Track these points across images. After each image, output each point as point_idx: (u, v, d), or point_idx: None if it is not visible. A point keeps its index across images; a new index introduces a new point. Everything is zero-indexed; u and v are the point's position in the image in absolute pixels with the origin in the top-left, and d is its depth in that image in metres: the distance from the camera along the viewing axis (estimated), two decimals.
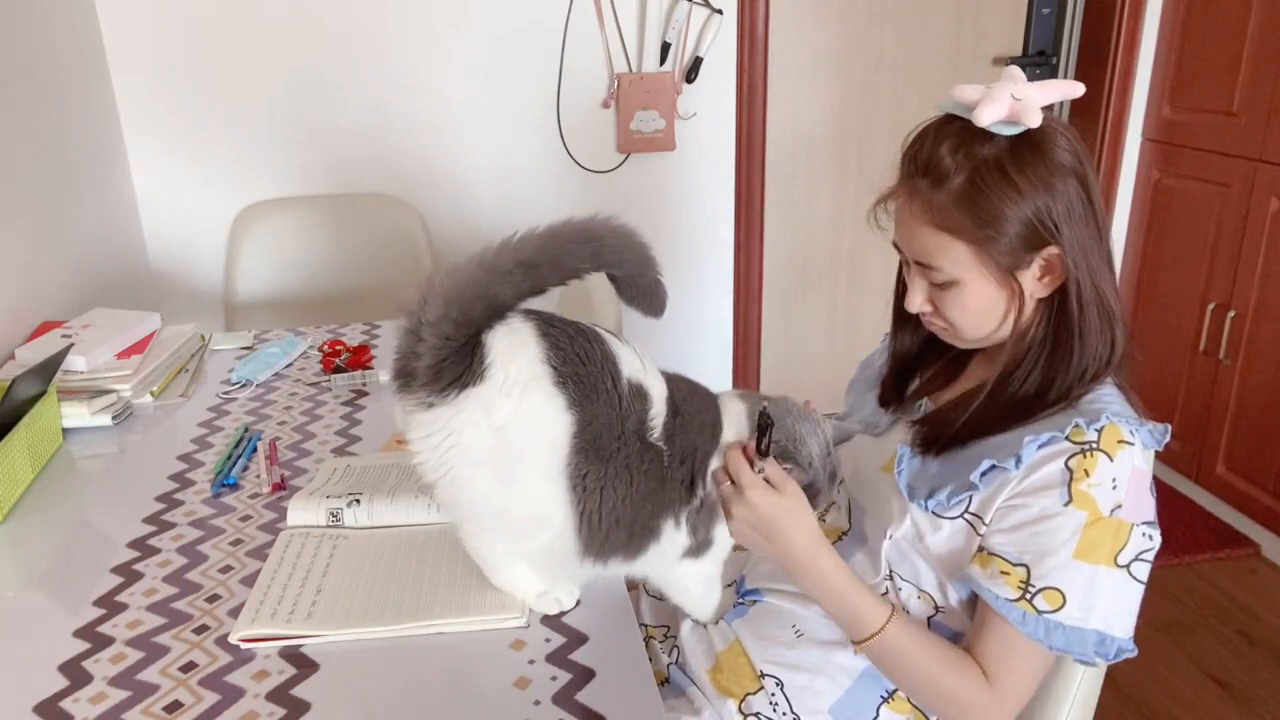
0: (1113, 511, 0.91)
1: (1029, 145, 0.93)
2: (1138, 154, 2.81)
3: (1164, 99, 2.70)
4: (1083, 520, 0.91)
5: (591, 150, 2.52)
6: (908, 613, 1.01)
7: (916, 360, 1.16)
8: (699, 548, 1.01)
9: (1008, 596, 0.93)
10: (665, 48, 2.45)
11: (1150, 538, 0.93)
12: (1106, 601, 0.91)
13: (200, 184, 2.35)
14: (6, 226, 1.67)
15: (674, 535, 0.97)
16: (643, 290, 0.94)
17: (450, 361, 0.83)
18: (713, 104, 2.55)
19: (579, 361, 0.87)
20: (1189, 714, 1.96)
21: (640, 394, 0.91)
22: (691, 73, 2.48)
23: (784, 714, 1.03)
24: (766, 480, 0.98)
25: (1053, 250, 0.95)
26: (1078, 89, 1.00)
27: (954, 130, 0.96)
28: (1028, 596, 0.92)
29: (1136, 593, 0.93)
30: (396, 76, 2.36)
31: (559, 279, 0.86)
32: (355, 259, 2.36)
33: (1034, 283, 0.98)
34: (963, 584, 0.99)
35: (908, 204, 1.00)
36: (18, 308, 1.67)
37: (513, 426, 0.84)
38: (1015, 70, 0.98)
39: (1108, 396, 0.98)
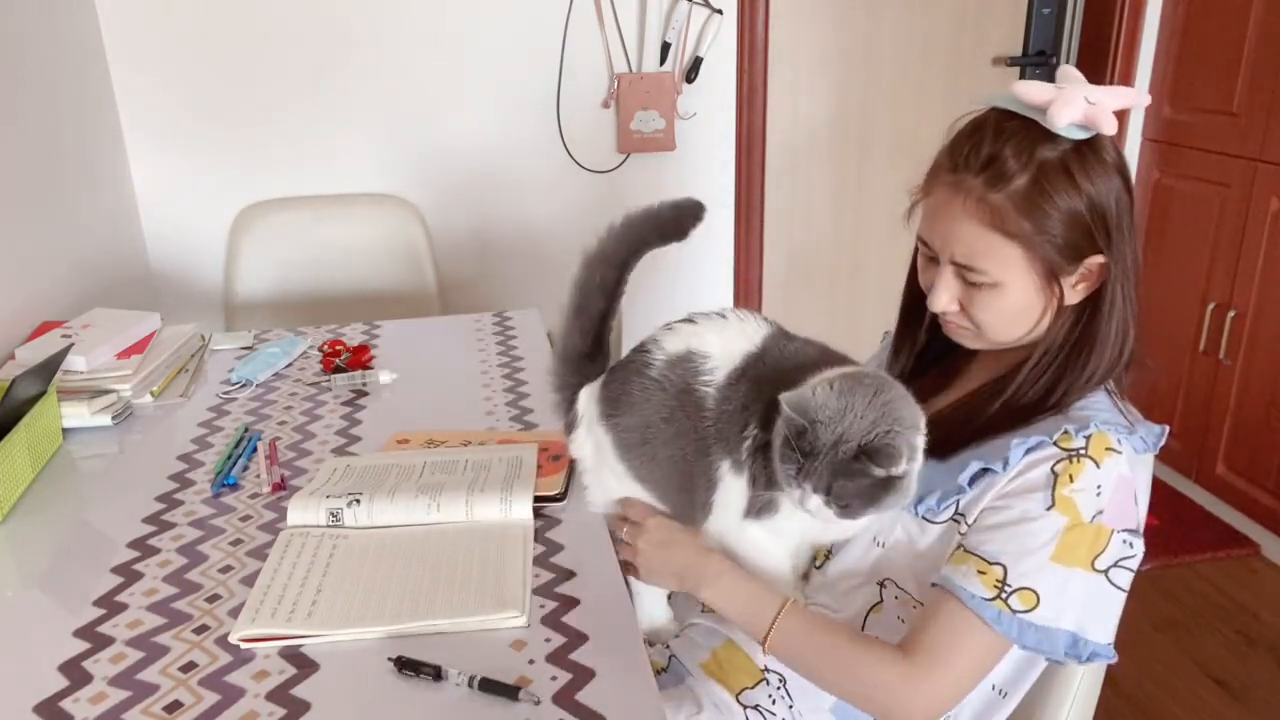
0: (1094, 517, 0.91)
1: (1090, 149, 0.92)
2: (1138, 154, 2.81)
3: (1164, 99, 2.70)
4: (1063, 525, 0.90)
5: (591, 150, 2.51)
6: (902, 621, 0.99)
7: (917, 363, 1.16)
8: (760, 509, 0.97)
9: (983, 595, 0.91)
10: (665, 48, 2.44)
11: (1131, 545, 0.92)
12: (1081, 604, 0.90)
13: (200, 184, 2.34)
14: (6, 226, 1.67)
15: (731, 483, 0.97)
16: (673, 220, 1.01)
17: (566, 406, 1.09)
18: (713, 104, 2.55)
19: (619, 384, 1.03)
20: (1189, 714, 1.96)
21: (687, 358, 0.99)
22: (691, 73, 2.48)
23: (788, 707, 1.03)
24: None
25: (1098, 258, 0.94)
26: (1144, 99, 0.97)
27: (1016, 128, 0.93)
28: (1003, 596, 0.90)
29: (1116, 599, 0.93)
30: (396, 76, 2.36)
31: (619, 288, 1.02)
32: (355, 259, 2.36)
33: (1069, 289, 0.96)
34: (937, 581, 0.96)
35: (953, 200, 0.95)
36: (18, 308, 1.67)
37: (585, 446, 1.07)
38: (1072, 70, 0.95)
39: (1098, 403, 0.98)
